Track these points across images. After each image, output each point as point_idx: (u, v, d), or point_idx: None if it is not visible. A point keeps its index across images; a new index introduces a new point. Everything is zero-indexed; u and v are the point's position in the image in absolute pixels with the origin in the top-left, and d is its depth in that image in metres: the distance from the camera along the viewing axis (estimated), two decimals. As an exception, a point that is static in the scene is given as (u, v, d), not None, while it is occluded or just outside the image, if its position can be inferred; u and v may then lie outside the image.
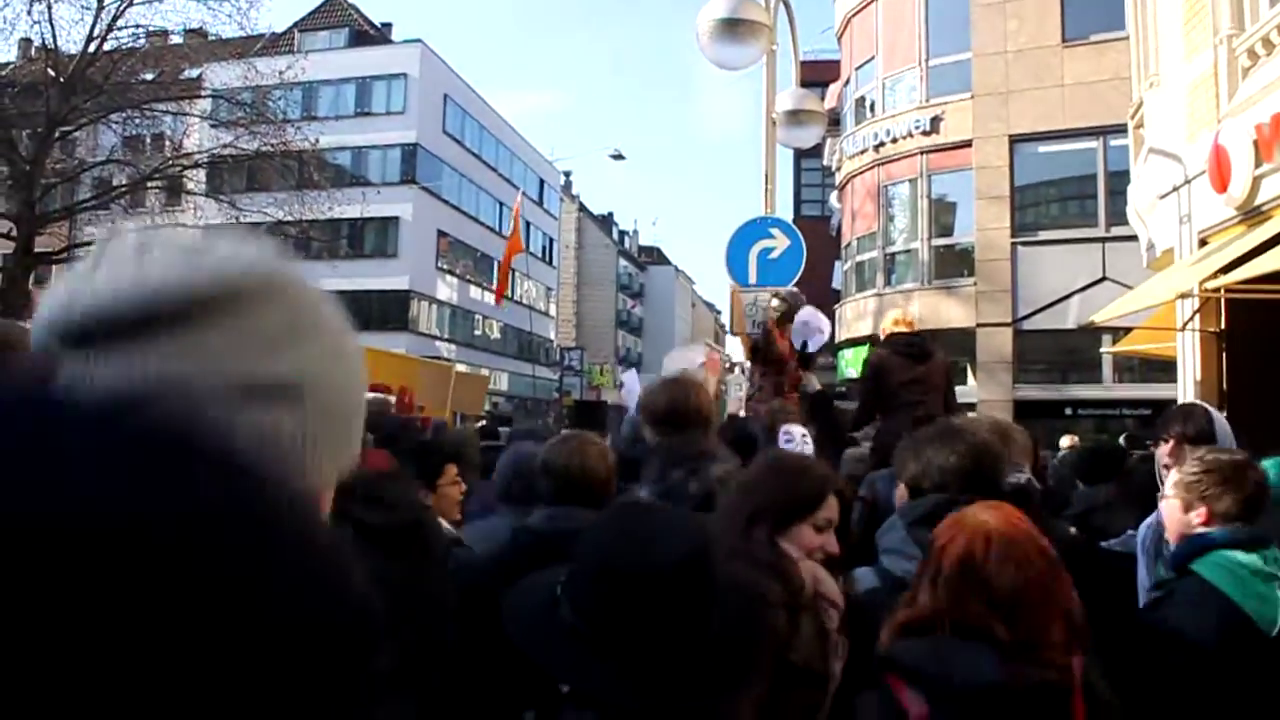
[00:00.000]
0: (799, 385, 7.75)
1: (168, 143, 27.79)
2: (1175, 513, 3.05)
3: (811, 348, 7.72)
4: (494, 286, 55.90)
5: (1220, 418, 4.30)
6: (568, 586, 1.69)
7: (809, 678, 2.33)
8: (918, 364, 7.15)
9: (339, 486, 2.65)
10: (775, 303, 8.11)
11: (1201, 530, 2.92)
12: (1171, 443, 4.12)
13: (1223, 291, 8.56)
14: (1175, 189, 10.98)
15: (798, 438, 5.40)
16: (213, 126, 26.84)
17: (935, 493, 2.94)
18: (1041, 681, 2.00)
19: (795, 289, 8.67)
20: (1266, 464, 4.77)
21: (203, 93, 27.03)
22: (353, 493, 2.76)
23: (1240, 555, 2.79)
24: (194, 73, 27.75)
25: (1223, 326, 9.74)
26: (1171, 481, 3.12)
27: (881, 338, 7.71)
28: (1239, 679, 2.59)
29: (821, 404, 7.46)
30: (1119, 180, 17.44)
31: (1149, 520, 3.70)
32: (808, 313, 7.81)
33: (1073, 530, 4.28)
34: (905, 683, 2.11)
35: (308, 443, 0.86)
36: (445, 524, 3.79)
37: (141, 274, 0.77)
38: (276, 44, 30.83)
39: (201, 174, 27.41)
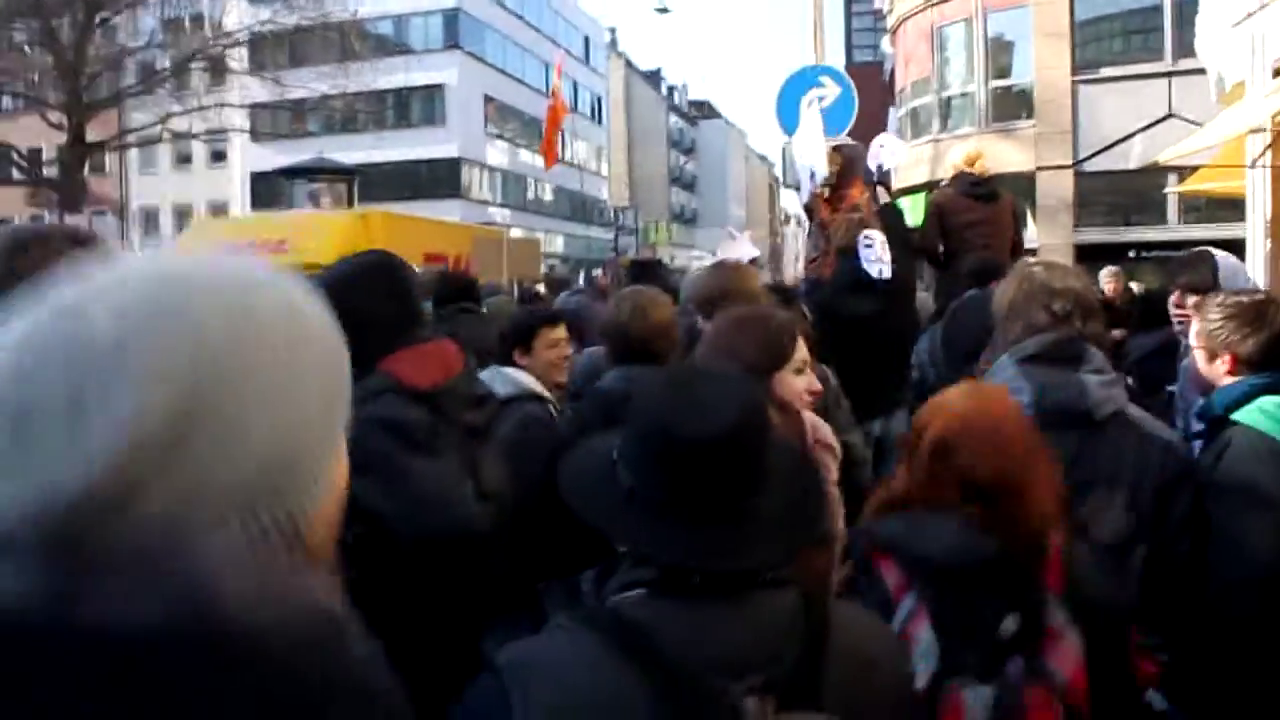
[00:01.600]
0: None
1: (207, 22, 27.52)
2: (1201, 364, 3.00)
3: (887, 165, 7.26)
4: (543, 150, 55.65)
5: (1230, 261, 4.17)
6: (623, 449, 1.70)
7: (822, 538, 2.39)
8: (983, 205, 6.94)
9: (449, 390, 2.51)
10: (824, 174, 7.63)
11: (1232, 380, 2.86)
12: (1177, 293, 4.12)
13: (1297, 127, 8.16)
14: (1249, 15, 10.40)
15: (878, 243, 5.27)
16: (251, 3, 26.58)
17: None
18: (1004, 551, 2.03)
19: (851, 141, 8.25)
20: None
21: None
22: (458, 397, 2.88)
23: (1276, 398, 2.74)
24: (230, -51, 27.29)
25: (1296, 162, 9.32)
26: (1194, 332, 3.04)
27: (945, 180, 7.44)
28: None
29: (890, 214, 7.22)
30: (1187, 9, 16.61)
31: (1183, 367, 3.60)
32: (871, 148, 7.34)
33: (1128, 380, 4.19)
34: (882, 555, 2.17)
35: (297, 518, 0.81)
36: (533, 380, 3.94)
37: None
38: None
39: (243, 52, 27.20)
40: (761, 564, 1.62)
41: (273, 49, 27.76)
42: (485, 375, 3.85)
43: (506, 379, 3.86)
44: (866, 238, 5.29)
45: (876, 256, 5.14)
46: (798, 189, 8.28)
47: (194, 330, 0.75)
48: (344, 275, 2.84)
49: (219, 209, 48.12)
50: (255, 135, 35.28)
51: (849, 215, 6.41)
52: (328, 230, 12.40)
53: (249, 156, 44.64)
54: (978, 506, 2.07)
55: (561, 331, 4.21)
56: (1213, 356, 2.93)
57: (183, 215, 47.65)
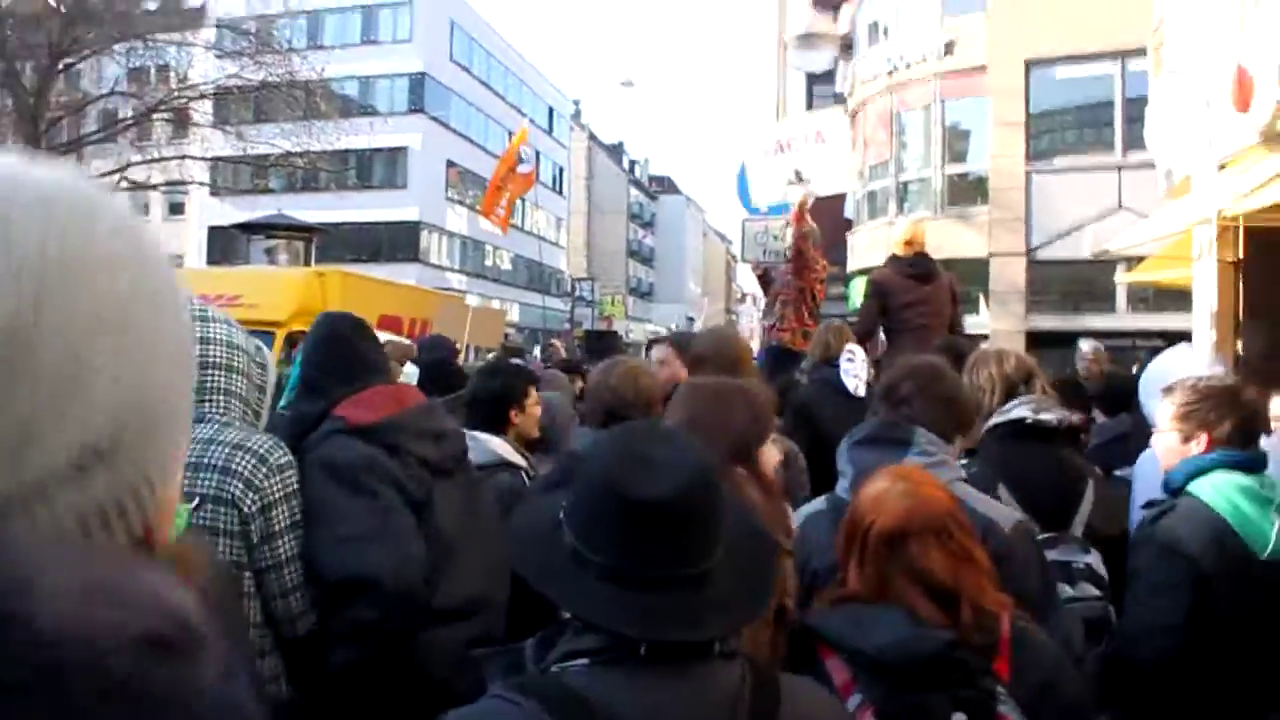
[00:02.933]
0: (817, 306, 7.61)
1: (173, 74, 27.55)
2: (1174, 444, 3.06)
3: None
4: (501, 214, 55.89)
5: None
6: (570, 509, 1.65)
7: (782, 616, 2.37)
8: (922, 285, 7.02)
9: (397, 424, 2.60)
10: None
11: (1198, 454, 2.96)
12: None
13: (1241, 219, 8.40)
14: (1195, 113, 10.74)
15: (859, 360, 5.33)
16: (218, 57, 26.62)
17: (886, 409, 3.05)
18: (950, 645, 2.03)
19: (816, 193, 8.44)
20: None
21: (206, 22, 26.71)
22: (406, 430, 2.87)
23: (1235, 477, 2.85)
24: (198, 2, 27.38)
25: (1240, 255, 9.57)
26: (1167, 415, 3.10)
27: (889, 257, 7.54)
28: (1227, 597, 2.67)
29: None
30: (1137, 106, 17.10)
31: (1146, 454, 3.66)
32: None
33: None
34: (828, 651, 2.16)
35: (139, 498, 0.67)
36: (509, 448, 3.94)
37: None
38: (281, -29, 30.40)
39: (208, 105, 27.20)
40: (712, 635, 1.56)
41: (237, 103, 27.71)
42: None
43: (482, 448, 3.82)
44: (849, 352, 5.36)
45: (855, 373, 5.21)
46: (754, 265, 8.42)
47: (25, 235, 0.63)
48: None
49: (174, 262, 47.25)
50: (215, 189, 35.15)
51: (832, 324, 6.52)
52: (283, 287, 12.31)
53: (207, 210, 44.40)
54: (928, 599, 2.08)
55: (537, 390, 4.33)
56: (1188, 438, 3.01)
57: (136, 266, 47.10)
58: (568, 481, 3.09)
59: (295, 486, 2.65)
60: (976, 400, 3.53)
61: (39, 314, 0.61)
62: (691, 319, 44.98)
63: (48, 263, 0.62)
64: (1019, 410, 3.51)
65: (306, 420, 2.94)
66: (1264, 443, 3.20)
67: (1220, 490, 2.82)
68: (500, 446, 3.89)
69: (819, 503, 3.02)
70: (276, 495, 2.59)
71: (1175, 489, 2.97)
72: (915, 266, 7.08)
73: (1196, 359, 3.80)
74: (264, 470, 2.57)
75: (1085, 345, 8.10)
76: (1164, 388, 3.19)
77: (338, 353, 3.05)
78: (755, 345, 9.18)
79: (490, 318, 13.61)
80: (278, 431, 2.89)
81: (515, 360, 12.27)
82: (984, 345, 14.22)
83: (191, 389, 0.75)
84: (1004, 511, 2.87)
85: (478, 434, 3.85)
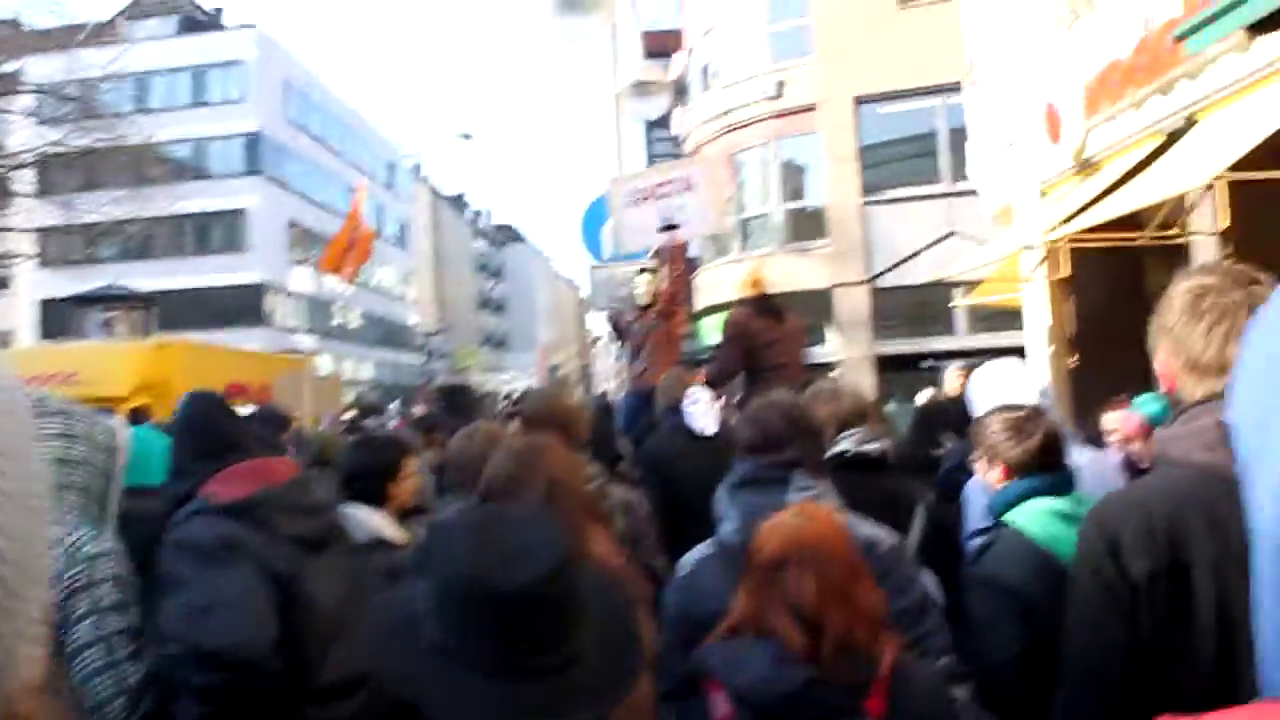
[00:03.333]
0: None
1: (-11, 144, 26.45)
2: (980, 470, 3.23)
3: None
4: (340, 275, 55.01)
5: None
6: (429, 603, 1.60)
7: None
8: (778, 323, 7.17)
9: (261, 500, 2.51)
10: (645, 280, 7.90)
11: (1003, 484, 3.08)
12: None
13: (1065, 241, 8.86)
14: (1012, 144, 11.32)
15: (703, 401, 5.36)
16: (39, 124, 25.57)
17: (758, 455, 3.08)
18: (815, 680, 2.08)
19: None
20: (1145, 401, 4.98)
21: (23, 88, 25.65)
22: (274, 504, 2.80)
23: (1046, 502, 2.95)
24: (12, 67, 26.27)
25: (1067, 274, 10.09)
26: (977, 442, 3.27)
27: (737, 300, 7.65)
28: (1058, 618, 2.62)
29: None
30: (960, 136, 17.88)
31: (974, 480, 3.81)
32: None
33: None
34: (714, 685, 2.21)
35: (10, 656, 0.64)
36: (386, 523, 3.79)
37: None
38: (101, 34, 29.36)
39: (30, 174, 26.11)
40: (580, 717, 1.56)
41: (63, 172, 26.68)
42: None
43: (359, 526, 3.70)
44: (691, 396, 5.41)
45: (703, 413, 5.27)
46: (611, 313, 8.42)
47: None
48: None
49: (3, 339, 45.49)
50: (45, 261, 33.72)
51: (671, 371, 6.58)
52: (122, 361, 11.91)
53: (38, 283, 42.50)
54: (798, 629, 2.14)
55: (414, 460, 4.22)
56: (989, 465, 3.15)
57: (-39, 346, 44.87)
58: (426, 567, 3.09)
59: (108, 573, 2.59)
60: None
61: None
62: (554, 366, 44.96)
63: None
64: (844, 444, 3.74)
65: (172, 501, 2.92)
66: (1083, 458, 3.38)
67: (1033, 518, 2.93)
68: (377, 523, 3.76)
69: (705, 547, 3.06)
70: (80, 583, 2.54)
71: (995, 517, 3.09)
72: (767, 307, 7.24)
73: (1014, 375, 3.97)
74: (66, 561, 2.53)
75: (953, 367, 8.27)
76: (978, 418, 3.33)
77: (200, 431, 3.03)
78: (616, 388, 9.20)
79: (329, 385, 13.33)
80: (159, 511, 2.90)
81: (370, 419, 12.06)
82: (833, 374, 14.62)
83: (44, 537, 0.69)
84: (881, 534, 2.98)
85: (352, 510, 3.74)
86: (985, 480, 3.21)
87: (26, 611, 0.64)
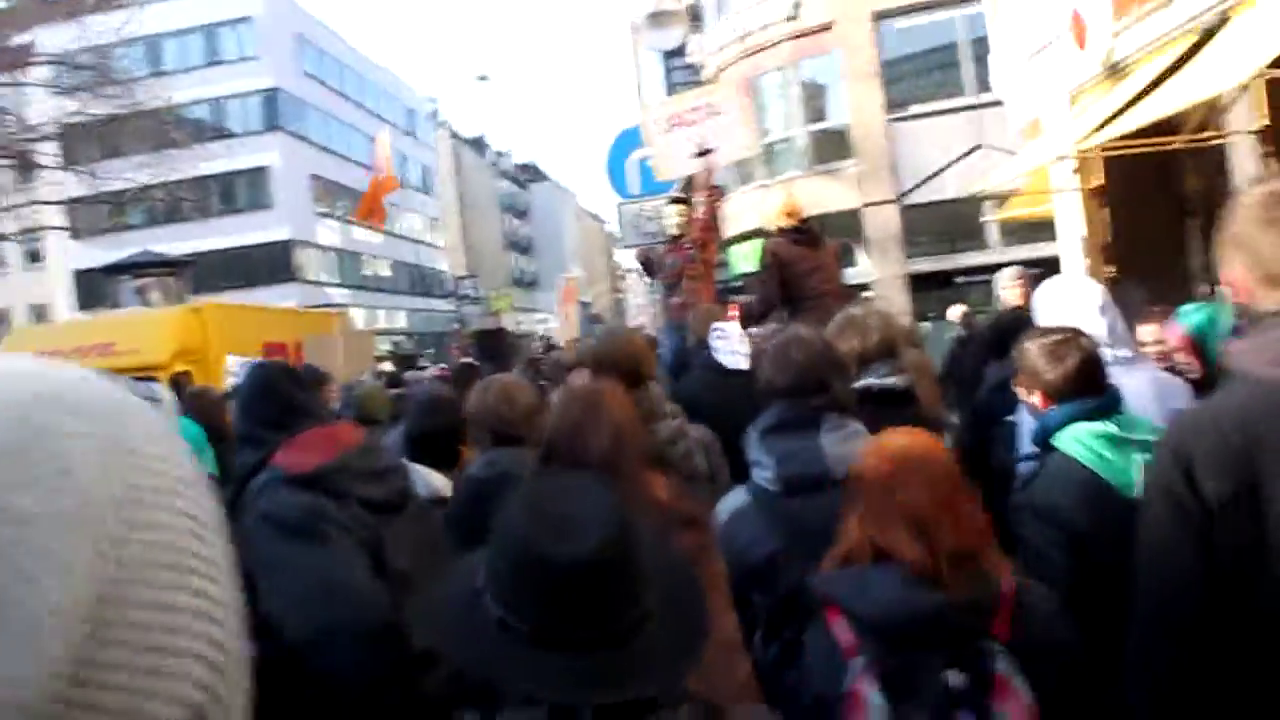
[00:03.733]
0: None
1: (10, 117, 26.42)
2: (1023, 395, 3.19)
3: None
4: (371, 220, 55.14)
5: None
6: (489, 578, 1.58)
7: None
8: (814, 251, 7.03)
9: (336, 468, 2.48)
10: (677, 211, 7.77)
11: (1046, 409, 3.04)
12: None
13: (1097, 150, 8.66)
14: (1038, 52, 11.05)
15: (733, 336, 5.28)
16: (56, 95, 25.55)
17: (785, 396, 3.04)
18: (945, 604, 2.05)
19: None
20: (1189, 311, 4.86)
21: (37, 60, 25.60)
22: (347, 472, 2.80)
23: (1088, 425, 2.90)
24: (24, 39, 26.19)
25: (1101, 183, 9.89)
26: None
27: (772, 229, 7.51)
28: (1109, 547, 2.66)
29: None
30: (982, 46, 17.54)
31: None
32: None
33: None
34: (833, 611, 2.17)
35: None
36: (445, 483, 3.84)
37: None
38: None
39: (53, 146, 26.15)
40: (649, 692, 1.54)
41: (84, 141, 26.68)
42: None
43: (422, 482, 3.72)
44: (718, 331, 5.31)
45: (731, 348, 5.18)
46: (638, 251, 8.29)
47: (83, 489, 0.55)
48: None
49: (41, 312, 46.01)
50: (75, 232, 33.92)
51: (702, 307, 6.48)
52: (158, 327, 11.99)
53: (70, 254, 42.85)
54: (918, 545, 2.10)
55: None
56: (1028, 391, 3.12)
57: (0, 320, 45.45)
58: (467, 508, 3.06)
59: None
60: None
61: (125, 567, 0.55)
62: (583, 301, 44.80)
63: (122, 505, 0.56)
64: (868, 378, 3.67)
65: (245, 471, 2.93)
66: (1126, 376, 3.30)
67: (1080, 441, 2.89)
68: (438, 480, 3.81)
69: (740, 494, 3.02)
70: None
71: (1039, 443, 3.06)
72: (804, 234, 7.09)
73: (1083, 300, 3.85)
74: None
75: (1007, 275, 7.88)
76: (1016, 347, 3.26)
77: (268, 401, 3.02)
78: (650, 323, 9.07)
79: (362, 339, 13.34)
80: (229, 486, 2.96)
81: (411, 370, 12.09)
82: (866, 294, 14.53)
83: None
84: None
85: (418, 468, 3.78)
86: (1028, 404, 3.17)
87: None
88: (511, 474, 3.23)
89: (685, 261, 7.51)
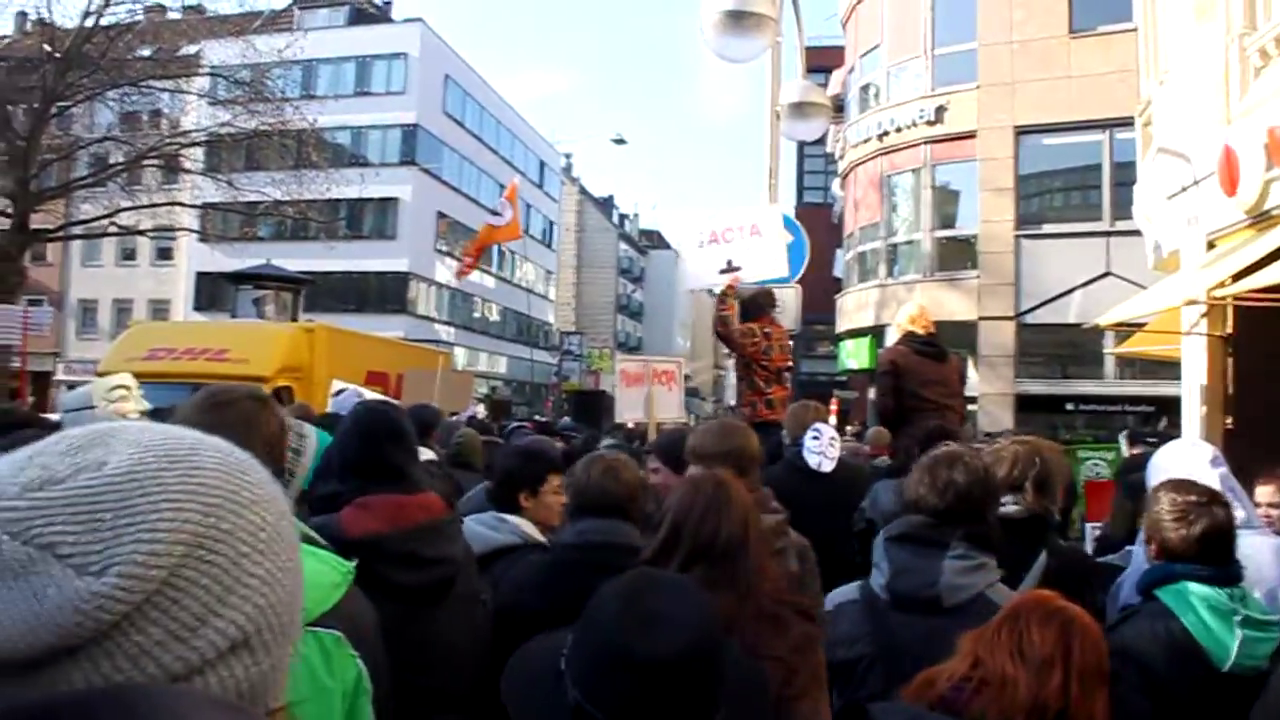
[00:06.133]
0: (778, 368, 7.55)
1: (165, 121, 27.67)
2: (1143, 544, 3.14)
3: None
4: (495, 270, 56.26)
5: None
6: (572, 662, 1.62)
7: None
8: (937, 364, 6.96)
9: (374, 543, 2.44)
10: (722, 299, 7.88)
11: (1158, 562, 2.99)
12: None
13: (1230, 300, 8.45)
14: (1183, 189, 10.86)
15: (825, 437, 5.25)
16: (210, 104, 26.70)
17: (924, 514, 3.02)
18: None
19: (768, 289, 8.42)
20: None
21: (200, 70, 26.81)
22: (383, 551, 2.77)
23: (1201, 588, 2.84)
24: (192, 49, 27.49)
25: (1229, 331, 9.63)
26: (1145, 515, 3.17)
27: (896, 333, 7.48)
28: (1185, 705, 2.65)
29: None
30: (1124, 173, 17.36)
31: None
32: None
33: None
34: None
35: (267, 675, 0.86)
36: (533, 530, 3.80)
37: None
38: (276, 21, 30.53)
39: (199, 152, 27.26)
40: None
41: (229, 151, 27.78)
42: (484, 519, 3.79)
43: (511, 527, 3.76)
44: (815, 430, 5.31)
45: (820, 449, 5.15)
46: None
47: (201, 476, 0.84)
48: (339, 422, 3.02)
49: (160, 307, 47.75)
50: (205, 237, 35.20)
51: (804, 403, 6.46)
52: (270, 341, 12.31)
53: (195, 256, 44.48)
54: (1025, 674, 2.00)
55: (561, 478, 4.13)
56: (1149, 540, 3.06)
57: (123, 311, 47.20)
58: (553, 577, 3.04)
59: None
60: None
61: (218, 532, 0.82)
62: (685, 376, 44.90)
63: (225, 498, 0.84)
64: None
65: (318, 505, 2.97)
66: (1247, 543, 3.20)
67: (1187, 599, 2.83)
68: (527, 526, 3.78)
69: (850, 591, 3.03)
70: None
71: (1143, 591, 3.01)
72: (930, 345, 7.04)
73: (1196, 456, 3.76)
74: None
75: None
76: (1151, 488, 3.20)
77: (361, 450, 3.05)
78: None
79: (459, 380, 13.50)
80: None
81: (503, 419, 12.19)
82: (973, 409, 14.26)
83: (302, 599, 0.93)
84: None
85: (506, 516, 3.79)
86: (1145, 554, 3.11)
87: (289, 648, 0.89)
88: (611, 544, 3.16)
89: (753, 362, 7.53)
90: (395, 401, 3.86)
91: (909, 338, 7.13)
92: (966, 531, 2.95)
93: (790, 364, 7.79)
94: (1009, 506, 3.65)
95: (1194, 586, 2.85)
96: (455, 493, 4.81)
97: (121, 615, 0.75)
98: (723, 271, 8.00)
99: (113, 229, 26.30)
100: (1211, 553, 2.91)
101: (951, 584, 2.83)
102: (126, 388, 4.37)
